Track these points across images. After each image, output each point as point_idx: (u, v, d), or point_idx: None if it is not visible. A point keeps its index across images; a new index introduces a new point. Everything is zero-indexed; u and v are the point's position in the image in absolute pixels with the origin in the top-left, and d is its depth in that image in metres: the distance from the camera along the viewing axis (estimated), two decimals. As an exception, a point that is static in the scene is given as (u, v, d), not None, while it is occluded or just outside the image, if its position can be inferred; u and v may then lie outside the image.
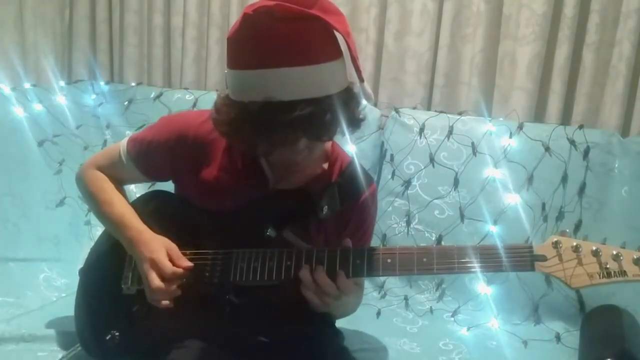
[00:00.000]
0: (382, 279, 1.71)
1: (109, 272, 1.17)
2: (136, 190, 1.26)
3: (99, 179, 1.20)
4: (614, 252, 0.89)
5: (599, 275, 0.90)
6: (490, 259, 0.95)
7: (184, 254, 1.07)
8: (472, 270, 0.96)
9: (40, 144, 1.86)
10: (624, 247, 0.91)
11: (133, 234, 1.09)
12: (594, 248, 0.91)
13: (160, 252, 1.04)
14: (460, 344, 1.47)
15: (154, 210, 1.18)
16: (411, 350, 1.43)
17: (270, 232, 1.07)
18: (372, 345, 1.42)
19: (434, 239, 1.71)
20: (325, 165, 1.15)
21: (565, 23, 1.72)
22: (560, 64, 1.74)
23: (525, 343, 1.50)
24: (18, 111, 1.83)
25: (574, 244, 0.92)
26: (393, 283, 1.73)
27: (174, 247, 1.06)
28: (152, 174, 1.22)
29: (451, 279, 1.69)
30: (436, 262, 0.97)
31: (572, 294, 1.55)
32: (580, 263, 0.91)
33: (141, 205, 1.19)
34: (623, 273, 0.89)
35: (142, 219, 1.13)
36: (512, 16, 1.79)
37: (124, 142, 1.20)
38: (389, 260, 0.98)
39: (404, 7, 1.90)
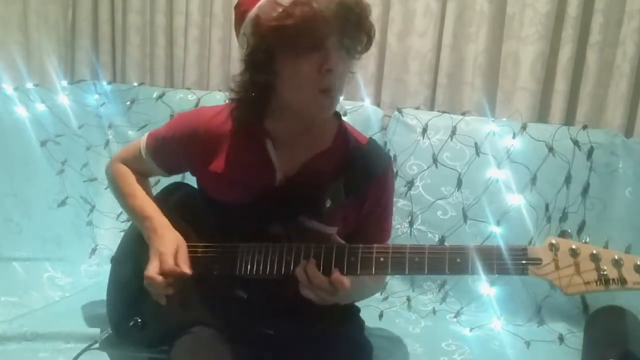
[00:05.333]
0: (385, 279, 1.70)
1: (137, 263, 1.20)
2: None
3: (124, 172, 1.27)
4: (615, 257, 0.83)
5: (596, 283, 0.84)
6: (481, 261, 0.92)
7: (196, 249, 1.11)
8: (463, 272, 0.93)
9: (43, 143, 1.85)
10: (628, 252, 0.84)
11: (153, 227, 1.13)
12: (593, 252, 0.84)
13: (169, 248, 1.08)
14: (463, 345, 1.47)
15: (174, 202, 1.24)
16: (413, 351, 1.43)
17: (282, 223, 1.09)
18: (375, 344, 1.41)
19: (436, 239, 1.70)
20: (330, 142, 1.15)
21: (568, 23, 1.71)
22: (564, 64, 1.74)
23: (528, 344, 1.49)
24: (21, 111, 1.83)
25: (573, 246, 0.86)
26: (396, 285, 1.73)
27: (182, 250, 1.09)
28: (168, 168, 1.27)
29: (454, 280, 1.68)
30: (427, 262, 0.95)
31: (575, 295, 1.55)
32: (577, 269, 0.85)
33: (163, 198, 1.26)
34: (622, 281, 0.82)
35: (163, 211, 1.17)
36: (515, 16, 1.78)
37: (144, 137, 1.26)
38: (382, 259, 0.99)
39: (407, 7, 1.90)
